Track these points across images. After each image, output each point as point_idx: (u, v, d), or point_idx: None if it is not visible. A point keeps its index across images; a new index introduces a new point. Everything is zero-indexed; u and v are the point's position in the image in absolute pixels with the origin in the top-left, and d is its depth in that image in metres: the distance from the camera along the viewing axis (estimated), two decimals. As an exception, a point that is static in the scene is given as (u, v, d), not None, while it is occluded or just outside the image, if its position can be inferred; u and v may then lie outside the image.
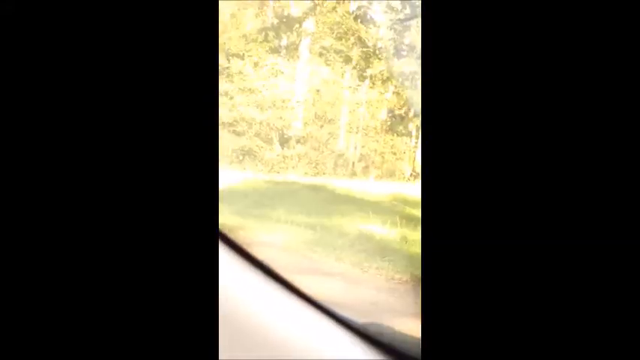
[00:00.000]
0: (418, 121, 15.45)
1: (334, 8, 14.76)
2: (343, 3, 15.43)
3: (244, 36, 15.20)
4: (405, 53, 16.03)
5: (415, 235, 6.80)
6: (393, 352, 1.39)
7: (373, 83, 15.70)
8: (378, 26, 14.71)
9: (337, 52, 14.90)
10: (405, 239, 6.37)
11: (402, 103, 15.88)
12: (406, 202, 9.21)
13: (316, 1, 15.43)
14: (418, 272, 5.30)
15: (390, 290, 4.85)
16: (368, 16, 14.75)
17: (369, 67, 15.66)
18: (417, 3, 16.35)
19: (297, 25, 15.67)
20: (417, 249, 6.24)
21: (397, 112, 16.03)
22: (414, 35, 16.38)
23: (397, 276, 5.09)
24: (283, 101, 14.24)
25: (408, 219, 7.30)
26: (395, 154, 15.01)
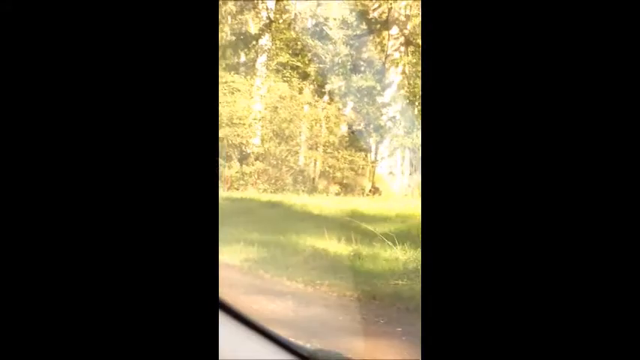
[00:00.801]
0: (377, 137, 15.50)
1: (290, 25, 14.78)
2: (300, 19, 15.47)
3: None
4: (362, 69, 16.09)
5: (369, 250, 6.78)
6: None
7: (331, 99, 15.72)
8: (335, 42, 14.74)
9: (294, 68, 14.90)
10: (358, 256, 6.34)
11: (360, 118, 15.92)
12: (363, 217, 9.20)
13: (272, 18, 15.46)
14: (369, 288, 5.28)
15: (341, 307, 4.82)
16: (324, 33, 14.78)
17: (326, 82, 15.69)
18: (374, 18, 16.44)
19: (254, 43, 15.67)
20: (370, 265, 6.23)
21: (356, 127, 16.06)
22: (371, 51, 16.46)
23: (348, 293, 5.06)
24: (240, 118, 14.18)
25: (363, 235, 7.28)
26: (354, 169, 15.03)
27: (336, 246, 6.88)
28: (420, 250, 6.31)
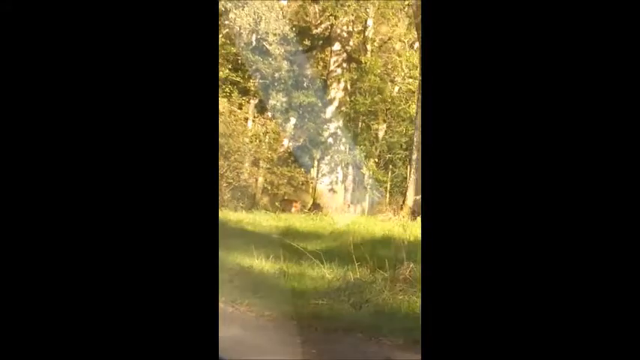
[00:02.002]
0: (318, 153, 15.47)
1: (230, 40, 14.68)
2: (241, 34, 15.38)
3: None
4: (304, 85, 16.07)
5: (296, 268, 6.68)
6: None
7: (272, 115, 15.65)
8: (276, 58, 14.69)
9: (234, 83, 14.79)
10: (283, 274, 6.24)
11: (301, 134, 15.88)
12: (297, 234, 9.12)
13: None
14: (289, 308, 5.18)
15: (258, 328, 4.70)
16: (265, 48, 14.72)
17: (267, 98, 15.61)
18: (317, 34, 16.45)
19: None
20: (295, 283, 6.13)
21: (297, 143, 16.01)
22: (313, 67, 16.46)
23: (267, 312, 4.95)
24: (178, 133, 13.98)
25: (292, 252, 7.18)
26: (294, 185, 14.96)
27: (262, 264, 6.77)
28: (346, 268, 6.25)
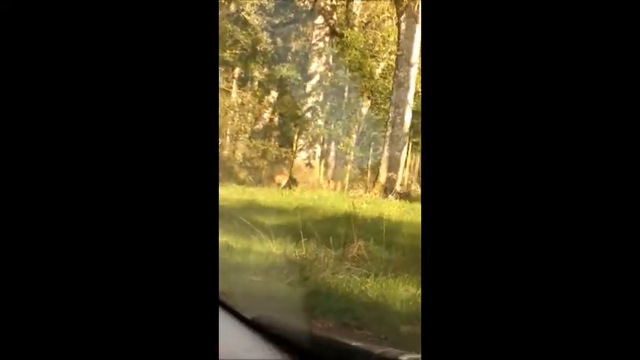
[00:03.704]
0: (297, 128, 15.28)
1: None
2: (222, 5, 15.11)
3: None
4: (286, 58, 15.86)
5: (244, 243, 6.52)
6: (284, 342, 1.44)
7: (251, 87, 15.45)
8: (254, 29, 14.44)
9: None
10: (227, 248, 6.07)
11: (281, 108, 15.69)
12: (257, 209, 8.97)
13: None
14: (221, 285, 4.98)
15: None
16: (245, 19, 14.47)
17: (247, 70, 15.41)
18: (300, 6, 16.21)
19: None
20: (239, 258, 5.97)
21: (275, 117, 15.82)
22: (295, 40, 16.22)
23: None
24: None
25: (245, 227, 7.00)
26: (270, 160, 14.79)
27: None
28: (297, 244, 6.10)
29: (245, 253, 6.07)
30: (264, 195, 10.70)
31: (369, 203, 9.92)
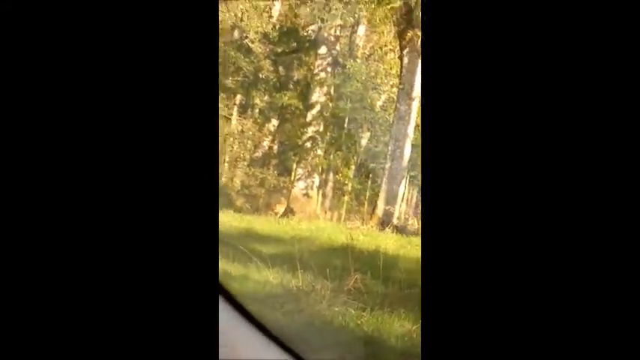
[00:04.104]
0: (296, 157, 15.27)
1: (212, 35, 14.47)
2: (226, 31, 15.17)
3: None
4: (287, 86, 15.89)
5: (243, 270, 6.50)
6: None
7: (252, 115, 15.46)
8: (258, 57, 14.48)
9: (212, 79, 14.57)
10: (227, 275, 6.02)
11: (280, 136, 15.70)
12: (255, 237, 8.93)
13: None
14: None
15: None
16: (248, 47, 14.52)
17: (248, 97, 15.43)
18: (303, 36, 16.28)
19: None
20: (237, 285, 5.94)
21: (275, 145, 15.81)
22: (297, 69, 16.28)
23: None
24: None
25: (242, 255, 6.96)
26: (267, 188, 14.76)
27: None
28: (294, 274, 6.07)
29: (242, 281, 6.03)
30: (261, 223, 10.66)
31: (365, 235, 9.90)
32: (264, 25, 14.17)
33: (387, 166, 12.25)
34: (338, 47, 16.10)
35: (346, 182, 15.00)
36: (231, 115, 15.05)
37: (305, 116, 15.55)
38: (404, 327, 4.82)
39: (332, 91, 15.95)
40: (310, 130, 15.48)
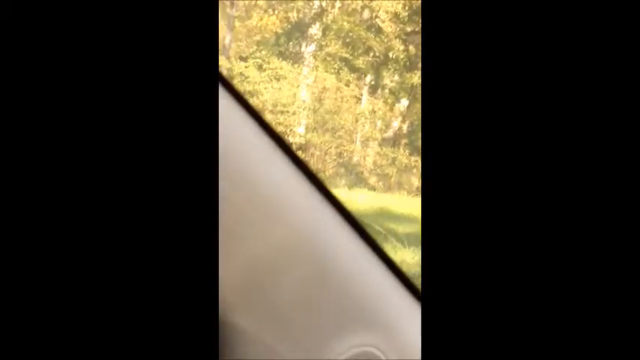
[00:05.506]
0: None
1: (347, 15, 14.54)
2: (356, 11, 15.24)
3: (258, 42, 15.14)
4: (418, 66, 15.81)
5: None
6: None
7: (382, 95, 15.49)
8: (390, 37, 14.46)
9: (343, 60, 14.67)
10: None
11: (412, 116, 15.66)
12: (389, 216, 8.97)
13: (324, 7, 15.26)
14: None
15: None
16: (378, 26, 14.52)
17: (378, 77, 15.46)
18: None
19: (304, 31, 15.51)
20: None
21: (406, 125, 15.79)
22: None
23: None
24: (285, 105, 14.04)
25: (377, 234, 7.02)
26: (399, 167, 14.76)
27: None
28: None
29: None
30: (395, 202, 10.69)
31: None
32: (395, 5, 14.10)
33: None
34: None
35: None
36: (362, 95, 15.13)
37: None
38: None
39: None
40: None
